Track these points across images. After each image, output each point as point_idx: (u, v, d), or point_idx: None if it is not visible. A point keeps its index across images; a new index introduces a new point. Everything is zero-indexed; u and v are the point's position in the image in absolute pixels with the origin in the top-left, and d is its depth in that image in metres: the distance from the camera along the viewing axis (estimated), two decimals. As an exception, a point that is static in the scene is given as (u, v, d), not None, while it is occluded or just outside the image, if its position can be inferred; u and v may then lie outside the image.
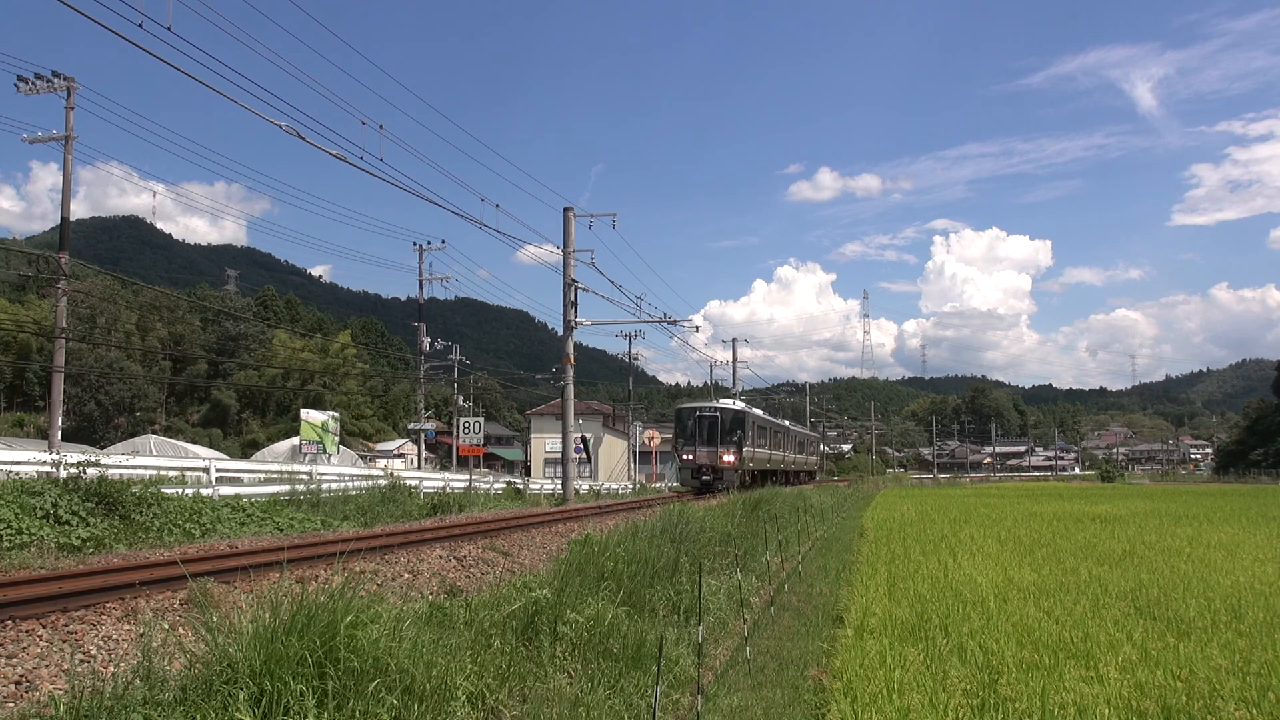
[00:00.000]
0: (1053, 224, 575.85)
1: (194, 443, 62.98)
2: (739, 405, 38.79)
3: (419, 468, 55.67)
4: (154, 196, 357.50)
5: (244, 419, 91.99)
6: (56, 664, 6.06)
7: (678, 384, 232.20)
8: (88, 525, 13.05)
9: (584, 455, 58.17)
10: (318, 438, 51.13)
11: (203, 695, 4.80)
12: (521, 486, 37.54)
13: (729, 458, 35.21)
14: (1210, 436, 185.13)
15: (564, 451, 31.74)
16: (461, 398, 75.20)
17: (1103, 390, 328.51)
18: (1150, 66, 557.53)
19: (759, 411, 44.47)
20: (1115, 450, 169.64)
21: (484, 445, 37.76)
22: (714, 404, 38.15)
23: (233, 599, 8.10)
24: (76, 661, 6.09)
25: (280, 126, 15.68)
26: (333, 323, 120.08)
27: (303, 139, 16.07)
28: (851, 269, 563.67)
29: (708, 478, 34.85)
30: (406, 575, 10.80)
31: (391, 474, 32.31)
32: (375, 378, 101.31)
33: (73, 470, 15.33)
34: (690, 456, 35.72)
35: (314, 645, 5.20)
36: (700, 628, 7.56)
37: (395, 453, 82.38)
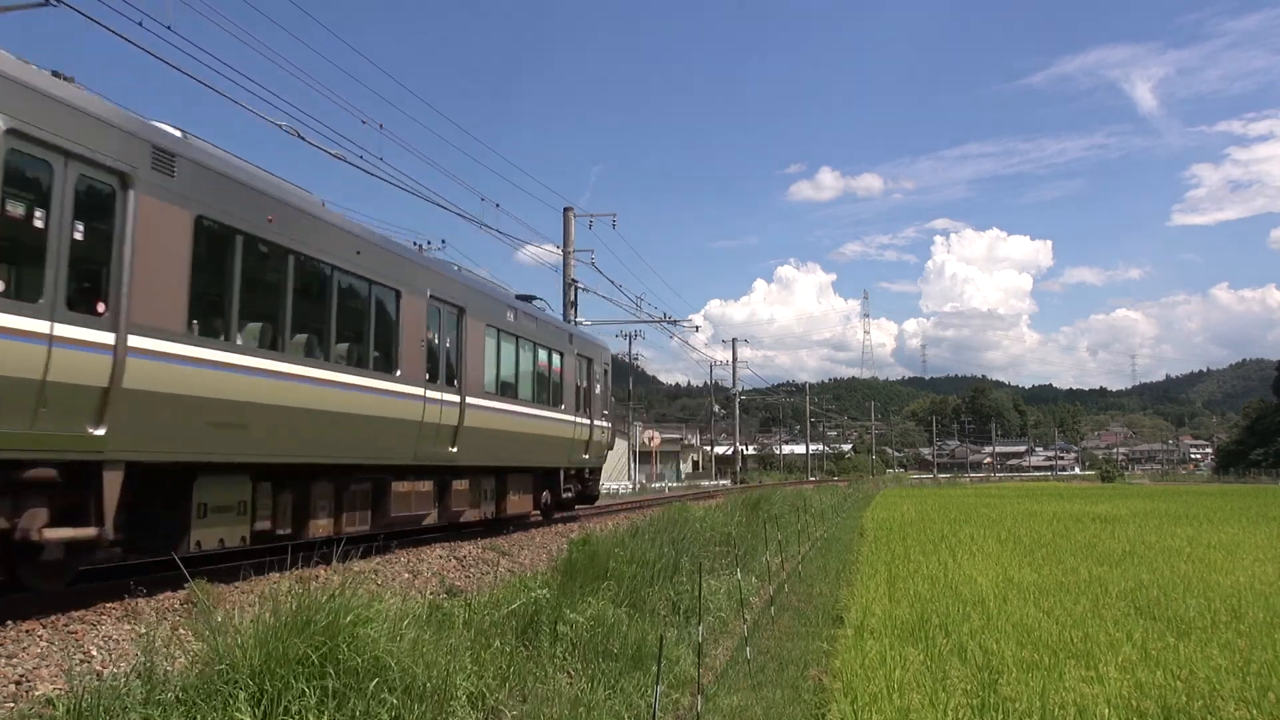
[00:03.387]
0: (1053, 224, 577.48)
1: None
2: None
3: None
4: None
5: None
6: (57, 664, 6.06)
7: (677, 384, 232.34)
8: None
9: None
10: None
11: (202, 695, 4.80)
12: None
13: None
14: (1210, 436, 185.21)
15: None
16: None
17: (1103, 390, 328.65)
18: (1150, 66, 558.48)
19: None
20: (1115, 450, 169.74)
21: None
22: None
23: (233, 599, 8.10)
24: (76, 661, 6.08)
25: (280, 126, 15.67)
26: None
27: (303, 139, 16.07)
28: (852, 269, 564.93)
29: None
30: (406, 575, 10.80)
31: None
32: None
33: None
34: None
35: (314, 645, 5.20)
36: (700, 628, 7.55)
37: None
